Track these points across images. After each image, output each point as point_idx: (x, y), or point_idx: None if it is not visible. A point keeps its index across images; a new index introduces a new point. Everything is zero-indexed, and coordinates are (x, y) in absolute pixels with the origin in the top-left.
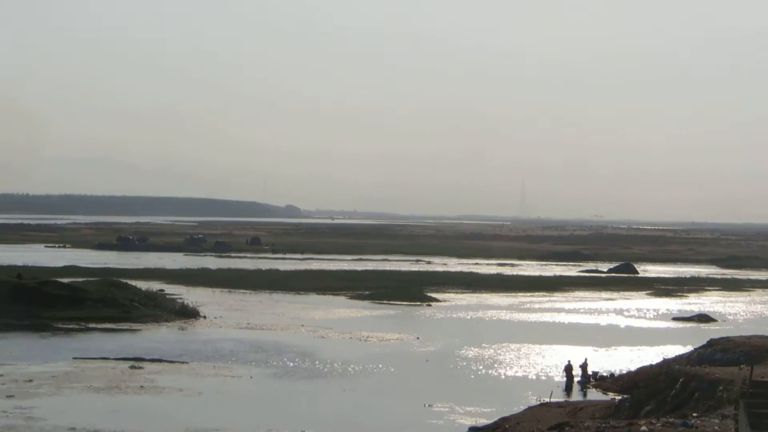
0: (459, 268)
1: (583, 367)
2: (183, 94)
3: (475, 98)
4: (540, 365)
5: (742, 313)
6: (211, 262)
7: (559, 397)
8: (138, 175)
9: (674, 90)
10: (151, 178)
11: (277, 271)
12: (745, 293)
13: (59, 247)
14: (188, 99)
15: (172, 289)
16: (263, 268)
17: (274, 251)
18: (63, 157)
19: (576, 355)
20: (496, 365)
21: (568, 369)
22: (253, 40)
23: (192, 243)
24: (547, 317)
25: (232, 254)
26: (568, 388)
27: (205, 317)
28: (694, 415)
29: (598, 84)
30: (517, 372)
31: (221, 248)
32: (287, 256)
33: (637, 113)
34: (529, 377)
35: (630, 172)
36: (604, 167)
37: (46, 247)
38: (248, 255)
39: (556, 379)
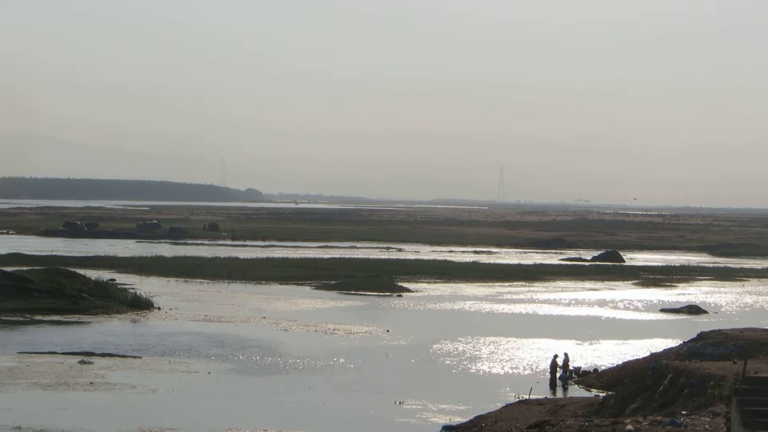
0: (432, 256)
1: (565, 362)
2: (132, 64)
3: (450, 67)
4: (518, 360)
5: (734, 305)
6: (165, 249)
7: (539, 394)
8: (85, 155)
9: (666, 54)
10: (100, 159)
11: (237, 259)
12: (738, 283)
13: (1, 233)
14: (138, 70)
15: (123, 279)
16: (222, 256)
17: (233, 238)
18: (1, 135)
19: (557, 348)
20: (471, 360)
21: (555, 364)
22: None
23: (145, 229)
24: (527, 309)
25: (189, 241)
26: (554, 384)
27: (159, 309)
28: (683, 412)
29: (582, 50)
30: (494, 367)
31: (177, 234)
32: (248, 243)
33: (624, 82)
34: (507, 373)
35: (619, 149)
36: (591, 144)
37: None
38: (206, 242)
39: (536, 374)
